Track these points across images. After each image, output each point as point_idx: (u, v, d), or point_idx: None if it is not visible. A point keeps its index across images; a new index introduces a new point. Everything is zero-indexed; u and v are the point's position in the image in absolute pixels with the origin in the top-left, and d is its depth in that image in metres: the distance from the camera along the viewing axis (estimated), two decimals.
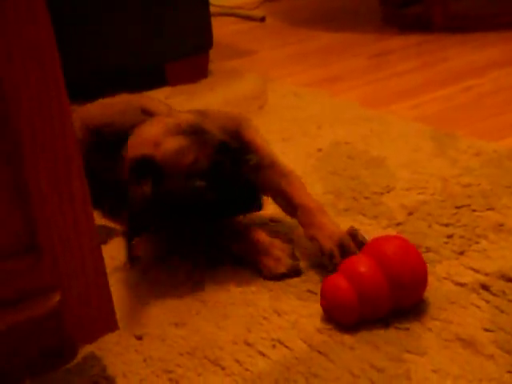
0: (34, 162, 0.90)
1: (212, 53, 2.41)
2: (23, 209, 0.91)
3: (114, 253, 1.25)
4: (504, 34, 2.51)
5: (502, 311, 0.96)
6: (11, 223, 0.92)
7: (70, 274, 0.96)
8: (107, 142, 1.31)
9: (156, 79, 2.30)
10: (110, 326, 1.02)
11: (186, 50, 2.27)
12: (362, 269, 0.96)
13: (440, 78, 2.16)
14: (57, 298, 0.95)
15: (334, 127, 1.76)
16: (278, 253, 1.13)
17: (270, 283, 1.10)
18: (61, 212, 0.93)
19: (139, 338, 1.00)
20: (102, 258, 0.99)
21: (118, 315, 1.04)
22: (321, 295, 1.00)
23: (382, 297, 0.96)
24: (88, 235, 0.97)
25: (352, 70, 2.37)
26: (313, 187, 1.41)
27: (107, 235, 1.32)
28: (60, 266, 0.95)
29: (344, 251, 1.06)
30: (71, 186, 0.93)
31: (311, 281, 1.09)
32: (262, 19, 3.22)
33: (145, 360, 0.95)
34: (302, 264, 1.14)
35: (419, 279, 0.98)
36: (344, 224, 1.25)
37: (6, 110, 0.87)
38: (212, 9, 2.53)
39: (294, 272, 1.12)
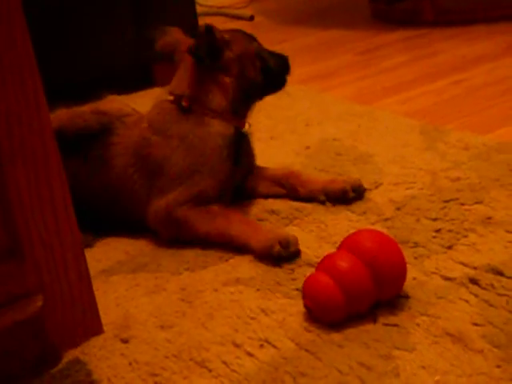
0: (12, 166, 0.88)
1: None
2: (3, 212, 0.89)
3: (99, 256, 1.24)
4: (493, 28, 2.51)
5: (491, 305, 0.95)
6: None
7: (52, 277, 0.94)
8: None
9: (145, 81, 2.28)
10: (95, 329, 1.01)
11: None
12: (344, 264, 0.95)
13: (430, 73, 2.15)
14: (39, 302, 0.93)
15: (322, 124, 1.75)
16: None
17: (258, 282, 1.09)
18: (42, 215, 0.92)
19: (125, 341, 0.99)
20: (84, 261, 0.98)
21: (103, 318, 1.02)
22: (304, 295, 0.98)
23: (367, 291, 0.95)
24: (70, 238, 0.95)
25: (342, 67, 2.36)
26: None
27: (93, 238, 1.30)
28: (42, 269, 0.93)
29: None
30: (52, 189, 0.92)
31: (299, 279, 1.07)
32: (251, 18, 3.21)
33: (130, 364, 0.94)
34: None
35: (400, 270, 0.97)
36: (333, 222, 1.25)
37: None
38: (200, 9, 2.53)
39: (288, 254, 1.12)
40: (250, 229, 1.19)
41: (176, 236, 1.24)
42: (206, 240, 1.22)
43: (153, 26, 2.11)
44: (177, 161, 1.25)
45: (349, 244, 0.99)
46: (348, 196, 1.29)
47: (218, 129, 1.28)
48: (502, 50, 2.25)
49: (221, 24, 3.17)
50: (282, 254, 1.12)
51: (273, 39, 2.85)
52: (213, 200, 1.25)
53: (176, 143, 1.26)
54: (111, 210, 1.32)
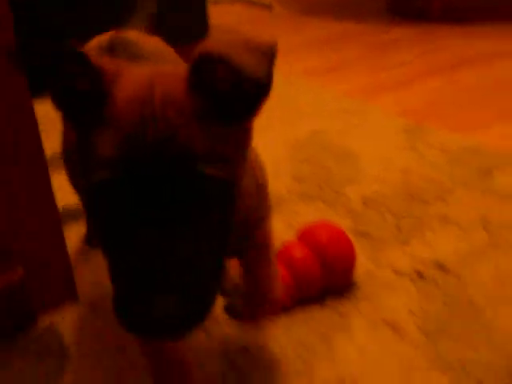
0: None
1: None
2: None
3: None
4: (502, 26, 2.53)
5: (429, 297, 1.03)
6: None
7: (28, 242, 0.99)
8: None
9: None
10: (70, 296, 1.07)
11: (182, 38, 2.32)
12: (296, 254, 1.04)
13: (432, 70, 2.20)
14: (19, 270, 1.00)
15: (316, 118, 1.82)
16: None
17: None
18: (19, 178, 0.94)
19: (95, 310, 1.08)
20: (59, 224, 1.01)
21: (81, 287, 1.10)
22: None
23: (316, 279, 1.03)
24: (45, 199, 0.98)
25: (349, 60, 2.42)
26: (285, 174, 1.49)
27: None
28: (19, 232, 0.97)
29: None
30: (27, 153, 0.93)
31: None
32: (269, 7, 3.26)
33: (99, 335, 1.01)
34: None
35: (349, 265, 1.05)
36: (305, 209, 1.33)
37: None
38: None
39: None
40: None
41: None
42: None
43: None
44: None
45: (306, 236, 1.08)
46: None
47: None
48: (507, 49, 2.29)
49: (237, 14, 3.27)
50: None
51: (285, 30, 2.92)
52: None
53: None
54: None
